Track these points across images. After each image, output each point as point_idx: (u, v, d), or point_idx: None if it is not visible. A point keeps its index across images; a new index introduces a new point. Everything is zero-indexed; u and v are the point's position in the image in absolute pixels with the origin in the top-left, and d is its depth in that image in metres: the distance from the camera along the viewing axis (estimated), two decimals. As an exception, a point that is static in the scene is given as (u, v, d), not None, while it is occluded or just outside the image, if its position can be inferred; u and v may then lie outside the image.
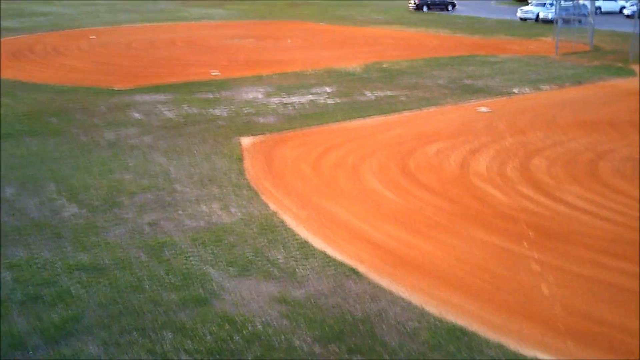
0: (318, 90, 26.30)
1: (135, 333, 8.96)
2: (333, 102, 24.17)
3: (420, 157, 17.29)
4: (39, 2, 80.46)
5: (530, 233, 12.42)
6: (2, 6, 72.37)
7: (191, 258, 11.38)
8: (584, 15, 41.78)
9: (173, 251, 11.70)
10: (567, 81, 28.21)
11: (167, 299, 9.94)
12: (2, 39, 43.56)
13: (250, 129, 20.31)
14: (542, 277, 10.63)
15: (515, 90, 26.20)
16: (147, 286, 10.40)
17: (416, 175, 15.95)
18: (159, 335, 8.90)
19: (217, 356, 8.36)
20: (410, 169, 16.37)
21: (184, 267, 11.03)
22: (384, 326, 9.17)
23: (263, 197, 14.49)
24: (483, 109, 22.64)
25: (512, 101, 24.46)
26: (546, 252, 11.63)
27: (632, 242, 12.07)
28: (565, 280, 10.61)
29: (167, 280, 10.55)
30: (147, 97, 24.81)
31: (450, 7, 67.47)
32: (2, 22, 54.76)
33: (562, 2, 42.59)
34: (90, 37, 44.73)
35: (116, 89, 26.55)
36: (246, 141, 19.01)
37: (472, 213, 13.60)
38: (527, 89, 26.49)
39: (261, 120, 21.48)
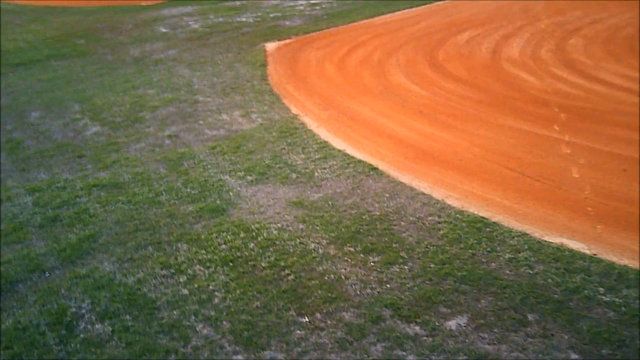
0: (348, -12, 25.36)
1: (150, 247, 8.85)
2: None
3: (449, 47, 16.55)
4: None
5: (563, 115, 11.81)
6: None
7: (209, 168, 11.18)
8: None
9: (192, 162, 11.50)
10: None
11: (184, 212, 9.79)
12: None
13: (275, 34, 19.76)
14: (572, 160, 10.10)
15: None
16: (165, 199, 10.26)
17: (445, 66, 15.29)
18: (174, 247, 8.78)
19: (231, 264, 8.21)
20: (439, 60, 15.69)
21: (202, 177, 10.84)
22: (402, 223, 8.86)
23: (285, 101, 14.13)
24: (519, -9, 21.49)
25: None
26: (578, 133, 11.05)
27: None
28: (598, 161, 10.06)
29: (185, 192, 10.39)
30: (174, 10, 24.34)
31: None
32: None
33: None
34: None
35: (144, 4, 26.13)
36: (271, 46, 18.52)
37: (502, 100, 13.00)
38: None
39: (287, 23, 20.86)
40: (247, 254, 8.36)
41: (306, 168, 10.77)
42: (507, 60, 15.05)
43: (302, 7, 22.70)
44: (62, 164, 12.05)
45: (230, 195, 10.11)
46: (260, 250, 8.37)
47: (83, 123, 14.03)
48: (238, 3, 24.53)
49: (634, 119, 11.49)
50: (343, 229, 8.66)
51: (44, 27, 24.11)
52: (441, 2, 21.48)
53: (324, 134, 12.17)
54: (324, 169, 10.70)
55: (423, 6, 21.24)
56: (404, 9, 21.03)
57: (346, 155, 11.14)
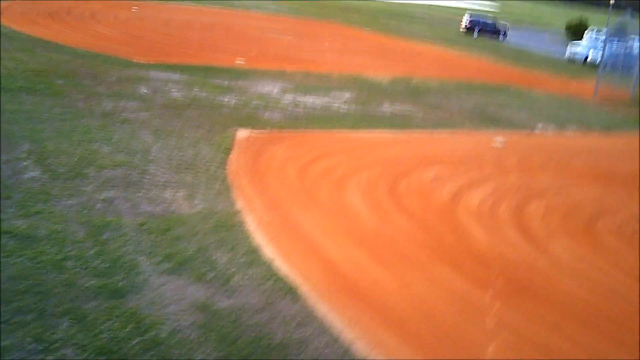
0: (336, 94, 25.50)
1: (31, 315, 8.27)
2: (347, 108, 23.37)
3: (413, 180, 16.40)
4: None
5: (500, 282, 11.46)
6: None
7: (129, 244, 10.69)
8: (633, 62, 40.20)
9: (114, 233, 11.02)
10: (595, 127, 27.00)
11: (84, 285, 9.25)
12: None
13: (251, 122, 19.62)
14: (492, 335, 9.66)
15: (539, 127, 25.08)
16: (70, 266, 9.73)
17: (403, 198, 15.09)
18: (55, 322, 8.20)
19: (104, 357, 7.62)
20: (399, 191, 15.50)
21: (117, 253, 10.34)
22: (299, 358, 8.34)
23: (234, 193, 13.76)
24: (498, 140, 21.61)
25: (532, 137, 23.41)
26: (509, 306, 10.65)
27: (610, 316, 11.00)
28: (518, 346, 9.60)
29: (93, 264, 9.87)
30: (162, 75, 24.26)
31: (502, 35, 66.00)
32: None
33: (613, 45, 41.12)
34: (133, 8, 44.48)
35: (135, 61, 26.05)
36: (242, 133, 18.31)
37: (447, 249, 12.70)
38: (551, 127, 25.34)
39: (267, 114, 20.77)
40: (125, 350, 7.78)
41: (227, 270, 10.31)
42: (464, 209, 14.86)
43: (286, 102, 22.69)
44: (-17, 206, 11.48)
45: (137, 280, 9.59)
46: (141, 350, 7.81)
47: (25, 164, 13.56)
48: (226, 83, 24.52)
49: (571, 306, 11.12)
50: (235, 351, 8.14)
51: (29, 58, 23.88)
52: (420, 131, 21.51)
53: (259, 238, 11.76)
54: (244, 276, 10.24)
55: (403, 131, 21.24)
56: (383, 129, 21.02)
57: (273, 266, 10.69)
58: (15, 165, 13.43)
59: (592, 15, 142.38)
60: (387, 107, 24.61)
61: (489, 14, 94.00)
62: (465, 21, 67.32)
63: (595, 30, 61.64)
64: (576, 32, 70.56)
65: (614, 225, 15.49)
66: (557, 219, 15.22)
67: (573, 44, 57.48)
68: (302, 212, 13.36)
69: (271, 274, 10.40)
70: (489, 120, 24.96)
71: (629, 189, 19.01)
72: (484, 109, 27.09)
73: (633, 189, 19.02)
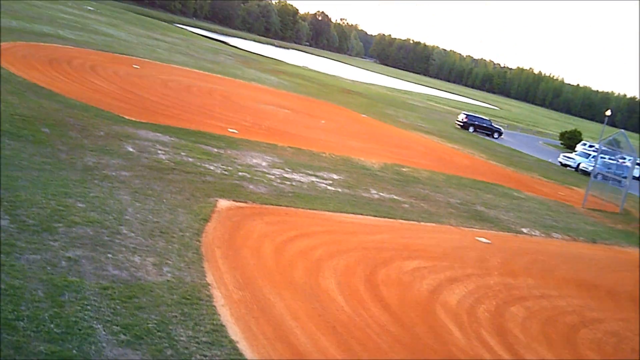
0: (324, 174, 25.23)
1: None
2: (333, 190, 23.04)
3: (393, 271, 15.93)
4: (108, 25, 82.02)
5: (472, 387, 10.89)
6: (70, 17, 73.79)
7: (88, 309, 10.12)
8: (624, 176, 40.45)
9: (74, 296, 10.45)
10: (581, 236, 26.72)
11: (34, 349, 8.65)
12: (48, 44, 43.90)
13: (234, 193, 19.22)
14: None
15: (525, 230, 24.79)
16: (22, 327, 9.15)
17: (380, 288, 14.59)
18: (-8, 387, 7.57)
19: None
20: (377, 280, 15.02)
21: (74, 317, 9.76)
22: None
23: (205, 265, 13.26)
24: (483, 239, 21.28)
25: (517, 240, 23.05)
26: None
27: None
28: None
29: (47, 328, 9.28)
30: (150, 134, 23.97)
31: (496, 135, 66.70)
32: (59, 31, 55.43)
33: (605, 158, 41.43)
34: (134, 66, 44.66)
35: (126, 118, 25.80)
36: (223, 204, 17.90)
37: (421, 347, 12.17)
38: (537, 232, 25.06)
39: (251, 187, 20.39)
40: None
41: (185, 349, 9.72)
42: (442, 306, 14.36)
43: (273, 177, 22.36)
44: (-58, 247, 10.93)
45: (90, 350, 9.00)
46: None
47: (-6, 215, 13.01)
48: (215, 150, 24.23)
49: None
50: None
51: (19, 102, 23.60)
52: (404, 221, 21.13)
53: (225, 316, 11.21)
54: (204, 357, 9.62)
55: (387, 218, 20.88)
56: (368, 215, 20.64)
57: (235, 349, 10.13)
58: (-17, 212, 12.90)
59: (586, 125, 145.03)
60: (374, 193, 24.31)
61: (485, 114, 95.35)
62: (461, 117, 68.12)
63: (588, 144, 62.70)
64: (570, 141, 71.62)
65: (594, 338, 15.00)
66: (537, 326, 14.74)
67: (566, 152, 58.04)
68: (274, 292, 12.82)
69: (233, 357, 9.81)
70: (475, 217, 24.65)
71: (612, 301, 18.60)
72: (471, 205, 26.83)
73: (616, 302, 18.62)
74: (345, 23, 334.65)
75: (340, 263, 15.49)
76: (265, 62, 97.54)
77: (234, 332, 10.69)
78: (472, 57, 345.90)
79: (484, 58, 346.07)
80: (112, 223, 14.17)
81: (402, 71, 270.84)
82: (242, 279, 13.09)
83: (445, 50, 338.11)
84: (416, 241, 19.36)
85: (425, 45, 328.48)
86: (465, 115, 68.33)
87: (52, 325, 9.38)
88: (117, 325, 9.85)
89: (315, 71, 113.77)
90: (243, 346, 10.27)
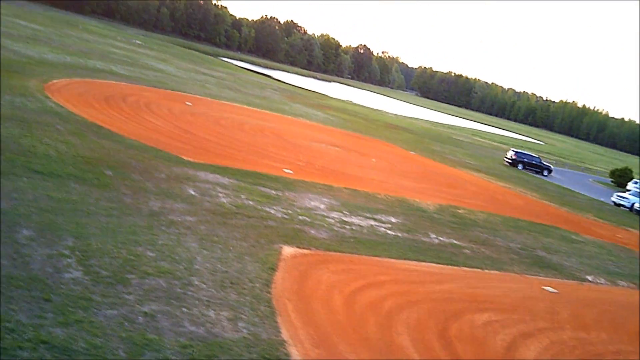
0: (382, 217, 24.93)
1: None
2: (393, 234, 22.72)
3: (464, 324, 15.52)
4: (157, 59, 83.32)
5: None
6: (120, 52, 75.15)
7: (170, 371, 9.91)
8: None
9: (155, 355, 10.27)
10: (647, 283, 25.93)
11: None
12: (103, 81, 44.64)
13: (297, 239, 19.02)
14: None
15: (590, 277, 24.14)
16: (106, 390, 8.96)
17: (455, 344, 14.20)
18: None
19: None
20: (450, 335, 14.62)
21: (157, 379, 9.55)
22: None
23: (279, 320, 13.03)
24: (549, 288, 20.73)
25: (583, 289, 22.41)
26: None
27: None
28: None
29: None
30: (210, 176, 23.98)
31: (546, 172, 65.73)
32: (112, 67, 56.39)
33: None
34: (186, 103, 45.09)
35: (184, 159, 25.88)
36: (288, 251, 17.71)
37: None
38: (602, 279, 24.39)
39: (312, 232, 20.19)
40: None
41: (271, 414, 9.43)
42: (520, 366, 13.88)
43: (332, 221, 22.13)
44: (24, 300, 10.91)
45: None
46: None
47: (67, 262, 13.02)
48: (273, 193, 24.12)
49: None
50: None
51: (80, 142, 23.81)
52: (468, 269, 20.69)
53: (304, 376, 10.90)
54: (290, 423, 9.33)
55: (450, 266, 20.48)
56: (430, 262, 20.26)
57: (319, 414, 9.80)
58: (57, 262, 12.91)
59: (632, 160, 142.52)
60: (433, 238, 23.92)
61: (530, 149, 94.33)
62: (510, 154, 67.36)
63: None
64: (620, 179, 70.39)
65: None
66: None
67: (619, 191, 56.89)
68: (349, 350, 12.53)
69: None
70: (538, 264, 24.09)
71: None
72: (532, 251, 26.26)
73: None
74: (387, 56, 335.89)
75: (411, 316, 15.13)
76: (310, 97, 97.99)
77: (316, 395, 10.38)
78: (514, 90, 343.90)
79: (526, 91, 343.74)
80: (183, 273, 14.05)
81: (443, 104, 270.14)
82: (316, 335, 12.82)
83: (487, 83, 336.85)
84: (483, 291, 18.90)
85: (467, 78, 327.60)
86: (514, 152, 67.54)
87: (136, 389, 9.18)
88: (201, 388, 9.62)
89: (359, 105, 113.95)
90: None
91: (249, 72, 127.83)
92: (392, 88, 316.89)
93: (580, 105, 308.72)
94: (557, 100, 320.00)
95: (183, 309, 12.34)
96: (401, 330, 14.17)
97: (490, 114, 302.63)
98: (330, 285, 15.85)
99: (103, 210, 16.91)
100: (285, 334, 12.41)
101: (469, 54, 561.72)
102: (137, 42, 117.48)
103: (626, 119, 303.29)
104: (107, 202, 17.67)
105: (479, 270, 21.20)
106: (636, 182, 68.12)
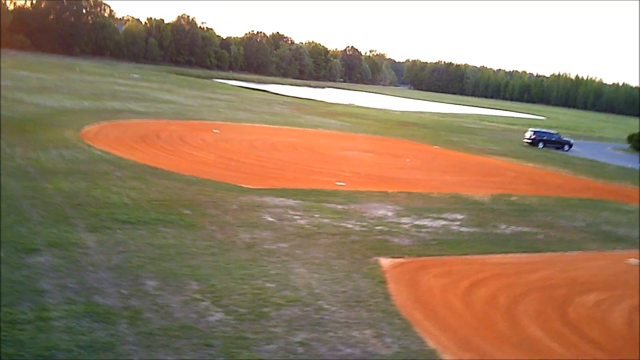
0: (448, 216, 25.32)
1: None
2: (467, 230, 23.12)
3: (579, 307, 15.99)
4: (162, 90, 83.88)
5: None
6: (126, 88, 75.68)
7: (355, 394, 10.28)
8: None
9: (333, 382, 10.64)
10: None
11: None
12: (128, 121, 45.18)
13: (385, 250, 19.41)
14: None
15: (662, 245, 24.50)
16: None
17: (581, 327, 14.61)
18: None
19: None
20: (572, 319, 15.03)
21: (349, 403, 9.93)
22: None
23: (417, 330, 13.42)
24: (632, 260, 21.08)
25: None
26: None
27: None
28: None
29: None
30: (276, 200, 24.39)
31: (566, 147, 66.12)
32: (129, 105, 56.93)
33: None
34: (214, 130, 45.56)
35: (244, 187, 26.30)
36: (385, 262, 18.10)
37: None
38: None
39: (396, 240, 20.57)
40: None
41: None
42: (648, 338, 14.26)
43: (407, 226, 22.52)
44: (189, 349, 11.30)
45: None
46: None
47: (204, 305, 13.43)
48: (340, 207, 24.52)
49: None
50: None
51: (146, 186, 24.21)
52: (552, 254, 21.07)
53: (471, 381, 11.27)
54: None
55: (534, 254, 20.85)
56: (514, 253, 20.66)
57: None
58: (196, 307, 13.31)
59: (635, 122, 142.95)
60: (504, 228, 24.33)
61: (533, 125, 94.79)
62: (529, 134, 67.76)
63: None
64: (638, 143, 70.87)
65: None
66: None
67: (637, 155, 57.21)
68: (495, 349, 12.92)
69: None
70: (609, 239, 24.54)
71: None
72: (598, 227, 26.69)
73: None
74: (375, 54, 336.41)
75: (528, 307, 15.54)
76: (315, 106, 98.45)
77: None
78: (505, 71, 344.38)
79: (517, 70, 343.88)
80: (310, 299, 14.44)
81: (438, 94, 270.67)
82: (457, 339, 13.24)
83: (477, 67, 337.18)
84: (577, 273, 19.30)
85: (457, 65, 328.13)
86: (532, 132, 67.94)
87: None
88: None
89: (362, 107, 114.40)
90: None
91: (249, 90, 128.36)
92: (384, 85, 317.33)
93: (573, 76, 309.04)
94: (549, 75, 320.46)
95: (329, 333, 12.73)
96: (527, 322, 14.57)
97: (486, 97, 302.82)
98: (441, 290, 16.25)
99: (204, 250, 17.32)
100: (430, 343, 12.79)
101: (455, 40, 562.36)
102: (135, 75, 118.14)
103: (621, 84, 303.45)
104: (203, 241, 18.07)
105: (561, 253, 21.60)
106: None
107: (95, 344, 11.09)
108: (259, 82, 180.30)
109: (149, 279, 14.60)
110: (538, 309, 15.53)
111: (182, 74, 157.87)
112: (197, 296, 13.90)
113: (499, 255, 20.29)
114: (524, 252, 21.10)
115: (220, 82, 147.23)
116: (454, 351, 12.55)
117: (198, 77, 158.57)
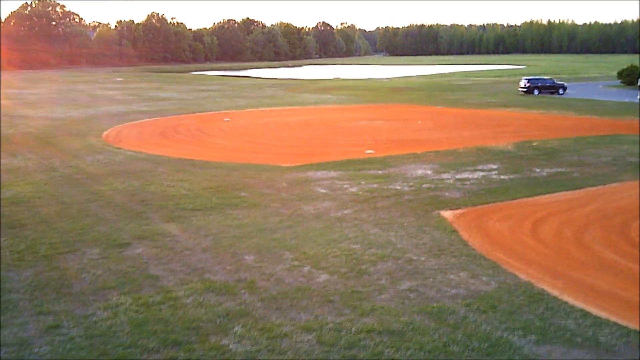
0: (484, 167, 26.44)
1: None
2: (507, 178, 24.24)
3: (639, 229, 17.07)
4: (153, 89, 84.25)
5: None
6: (118, 92, 76.03)
7: (482, 324, 11.38)
8: None
9: (454, 317, 11.73)
10: None
11: (486, 362, 9.93)
12: (143, 121, 45.90)
13: (442, 203, 20.46)
14: None
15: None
16: (456, 349, 10.44)
17: (642, 243, 15.76)
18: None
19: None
20: (636, 241, 16.17)
21: (481, 333, 11.03)
22: None
23: (505, 267, 14.49)
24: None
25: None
26: None
27: None
28: None
29: (475, 346, 10.56)
30: (319, 174, 25.37)
31: (561, 90, 67.44)
32: (131, 107, 57.46)
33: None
34: (225, 119, 46.36)
35: (284, 166, 27.25)
36: (447, 214, 19.15)
37: None
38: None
39: (447, 194, 21.64)
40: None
41: (584, 334, 10.92)
42: None
43: (451, 181, 23.60)
44: (316, 306, 12.33)
45: (523, 352, 10.23)
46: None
47: (307, 270, 14.45)
48: (380, 172, 25.56)
49: None
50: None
51: (192, 177, 25.11)
52: (593, 188, 22.24)
53: (573, 302, 12.41)
54: (601, 334, 10.83)
55: (577, 190, 22.01)
56: (559, 192, 21.77)
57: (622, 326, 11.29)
58: (300, 272, 14.34)
59: (618, 60, 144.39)
60: (540, 171, 25.45)
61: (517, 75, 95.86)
62: (523, 83, 68.95)
63: None
64: (630, 77, 72.23)
65: None
66: None
67: (631, 90, 58.38)
68: (582, 275, 14.04)
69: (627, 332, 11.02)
70: (637, 169, 25.69)
71: None
72: (624, 159, 27.96)
73: None
74: (346, 26, 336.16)
75: (594, 236, 16.76)
76: (305, 84, 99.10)
77: (599, 313, 11.89)
78: (477, 25, 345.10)
79: (489, 22, 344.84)
80: (397, 254, 15.49)
81: (415, 57, 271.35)
82: (544, 270, 14.32)
83: (449, 25, 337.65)
84: (624, 202, 20.46)
85: (429, 26, 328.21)
86: (526, 80, 69.15)
87: (474, 344, 10.63)
88: (519, 330, 11.10)
89: (348, 79, 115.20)
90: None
91: (234, 77, 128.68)
92: (360, 56, 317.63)
93: (545, 21, 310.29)
94: (521, 23, 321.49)
95: (430, 279, 13.80)
96: (598, 249, 15.77)
97: (462, 54, 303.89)
98: (510, 231, 17.35)
99: (279, 224, 18.32)
100: (523, 277, 13.89)
101: (423, 1, 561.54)
102: (118, 79, 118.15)
103: (593, 22, 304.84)
104: (274, 217, 19.06)
105: (601, 187, 22.76)
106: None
107: (231, 312, 12.09)
108: (237, 68, 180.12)
109: (245, 254, 15.60)
110: (603, 237, 16.69)
111: (161, 72, 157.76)
112: (296, 263, 14.92)
113: (547, 196, 21.38)
114: (567, 190, 22.23)
115: (201, 74, 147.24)
116: (547, 281, 13.64)
117: (177, 72, 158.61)
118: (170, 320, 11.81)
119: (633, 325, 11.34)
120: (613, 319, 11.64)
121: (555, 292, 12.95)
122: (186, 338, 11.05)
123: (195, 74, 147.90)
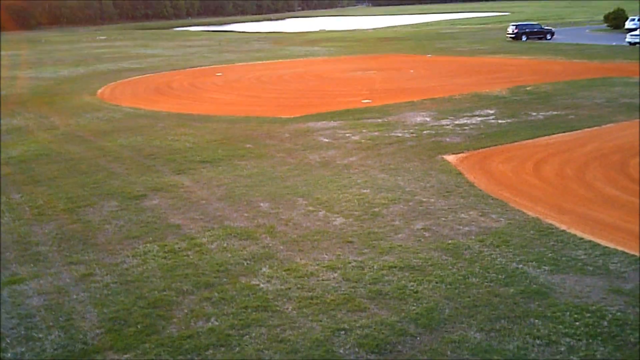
0: (481, 112, 26.92)
1: (503, 321, 9.58)
2: (505, 122, 24.75)
3: (637, 167, 17.68)
4: (139, 46, 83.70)
5: None
6: (105, 50, 75.64)
7: (497, 257, 11.98)
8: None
9: (470, 252, 12.32)
10: None
11: (505, 293, 10.52)
12: (135, 78, 45.90)
13: (444, 148, 20.96)
14: None
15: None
16: (475, 281, 11.03)
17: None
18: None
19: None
20: (635, 177, 16.81)
21: (497, 265, 11.62)
22: None
23: (513, 205, 15.06)
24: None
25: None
26: None
27: None
28: None
29: (492, 277, 11.15)
30: (320, 124, 25.77)
31: (549, 36, 67.75)
32: (120, 64, 57.33)
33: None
34: (217, 74, 46.47)
35: (284, 117, 27.62)
36: (450, 158, 19.67)
37: None
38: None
39: (448, 140, 22.14)
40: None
41: (594, 262, 11.56)
42: None
43: (450, 127, 24.09)
44: (336, 247, 12.86)
45: (539, 281, 10.86)
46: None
47: (323, 214, 14.96)
48: (380, 120, 26.00)
49: None
50: None
51: (195, 131, 25.47)
52: (590, 129, 22.81)
53: (581, 234, 13.04)
54: (613, 263, 11.46)
55: (575, 131, 22.56)
56: (558, 133, 22.31)
57: (625, 253, 11.91)
58: (315, 217, 14.83)
59: (599, 4, 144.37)
60: (535, 115, 25.99)
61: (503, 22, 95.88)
62: (511, 29, 69.15)
63: (637, 18, 63.78)
64: (616, 21, 72.57)
65: None
66: None
67: (631, 34, 58.64)
68: (584, 209, 14.64)
69: (633, 259, 11.66)
70: (632, 109, 26.32)
71: None
72: (617, 100, 28.53)
73: None
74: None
75: (594, 174, 17.38)
76: (291, 37, 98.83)
77: (602, 242, 12.51)
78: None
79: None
80: (407, 197, 16.02)
81: (399, 6, 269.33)
82: (550, 207, 14.92)
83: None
84: (621, 140, 21.05)
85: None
86: (514, 27, 69.41)
87: (493, 275, 11.24)
88: (532, 261, 11.72)
89: (334, 31, 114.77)
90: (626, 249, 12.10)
91: (219, 32, 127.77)
92: (342, 7, 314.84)
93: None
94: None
95: (442, 218, 14.36)
96: (600, 185, 16.41)
97: (445, 2, 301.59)
98: (513, 172, 17.92)
99: (288, 173, 18.79)
100: (530, 213, 14.47)
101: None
102: (102, 37, 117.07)
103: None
104: (282, 167, 19.52)
105: (597, 127, 23.34)
106: (633, 19, 70.19)
107: (256, 255, 12.60)
108: (220, 23, 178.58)
109: (260, 202, 16.09)
110: (603, 174, 17.30)
111: (143, 29, 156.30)
112: (311, 208, 15.43)
113: (545, 138, 21.93)
114: (564, 131, 22.78)
115: (184, 30, 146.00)
116: (554, 216, 14.23)
117: (159, 28, 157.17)
118: (199, 265, 12.31)
119: (640, 254, 11.99)
120: (620, 248, 12.24)
121: (563, 227, 13.54)
122: (217, 280, 11.56)
123: (178, 30, 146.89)
